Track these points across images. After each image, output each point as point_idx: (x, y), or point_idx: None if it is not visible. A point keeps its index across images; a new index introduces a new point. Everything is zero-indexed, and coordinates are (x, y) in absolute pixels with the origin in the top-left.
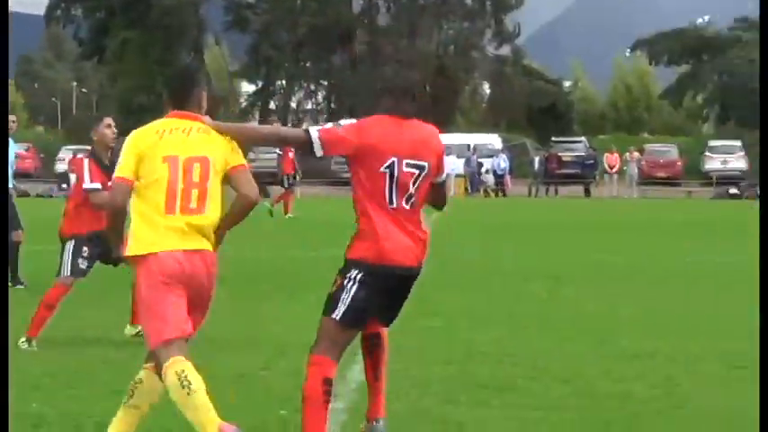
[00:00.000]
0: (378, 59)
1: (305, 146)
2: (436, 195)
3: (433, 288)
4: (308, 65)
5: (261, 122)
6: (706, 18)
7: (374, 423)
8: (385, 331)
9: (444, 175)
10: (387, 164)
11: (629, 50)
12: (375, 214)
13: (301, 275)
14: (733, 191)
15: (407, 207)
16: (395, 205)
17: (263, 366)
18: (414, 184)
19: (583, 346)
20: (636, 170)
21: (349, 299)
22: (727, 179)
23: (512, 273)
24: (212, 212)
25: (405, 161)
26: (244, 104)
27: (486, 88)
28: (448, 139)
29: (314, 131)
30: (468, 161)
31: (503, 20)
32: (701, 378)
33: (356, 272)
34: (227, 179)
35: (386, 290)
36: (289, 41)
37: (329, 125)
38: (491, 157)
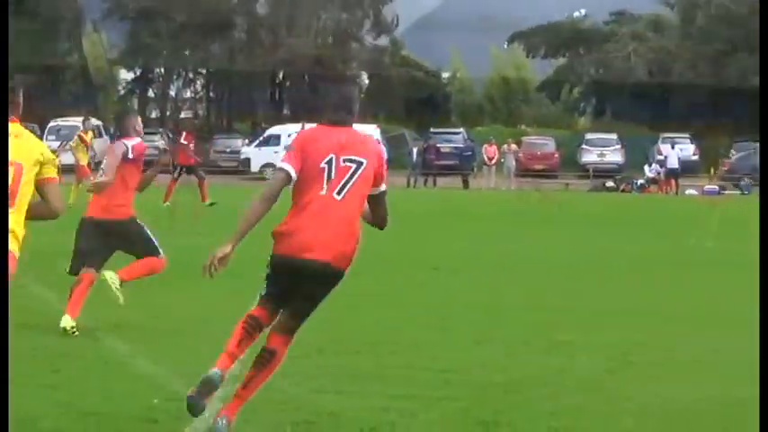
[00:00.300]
0: (256, 49)
1: (288, 181)
2: (376, 208)
3: None
4: (186, 53)
5: (140, 111)
6: (582, 12)
7: (218, 420)
8: (283, 351)
9: (384, 186)
10: (326, 159)
11: (506, 42)
12: (301, 206)
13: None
14: (609, 183)
15: (338, 197)
16: (325, 192)
17: (131, 353)
18: (351, 177)
19: (463, 335)
20: (513, 162)
21: (261, 291)
22: (603, 172)
23: (391, 262)
24: (17, 212)
25: (342, 157)
26: (122, 92)
27: (365, 79)
28: None
29: (288, 166)
30: None
31: (381, 10)
32: (590, 368)
33: (268, 266)
34: (38, 188)
35: (289, 283)
36: (167, 29)
37: (286, 152)
38: None
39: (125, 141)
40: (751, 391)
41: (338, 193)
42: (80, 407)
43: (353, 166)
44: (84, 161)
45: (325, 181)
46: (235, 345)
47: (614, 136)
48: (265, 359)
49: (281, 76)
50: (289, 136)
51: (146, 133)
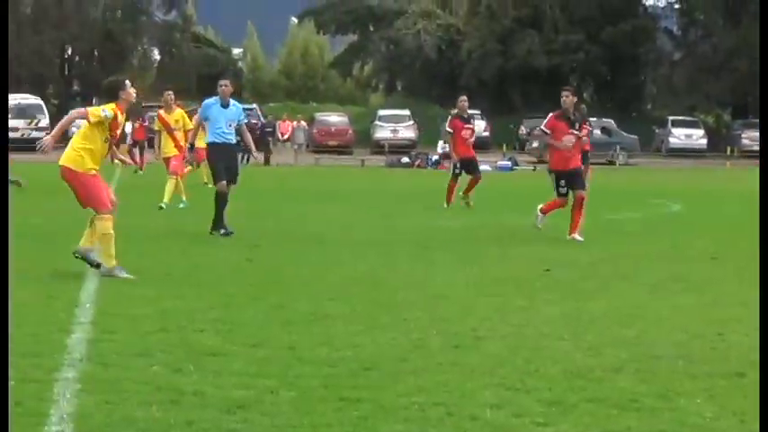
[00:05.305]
0: (44, 24)
1: None
2: None
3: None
4: None
5: None
6: None
7: None
8: None
9: None
10: None
11: (296, 18)
12: None
13: None
14: (405, 159)
15: None
16: None
17: None
18: None
19: (301, 312)
20: (302, 138)
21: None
22: (397, 148)
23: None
24: None
25: None
26: None
27: (156, 54)
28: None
29: None
30: None
31: None
32: (441, 344)
33: None
34: None
35: None
36: None
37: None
38: None
39: None
40: None
41: None
42: None
43: None
44: None
45: None
46: None
47: (407, 112)
48: None
49: (69, 51)
50: None
51: None
